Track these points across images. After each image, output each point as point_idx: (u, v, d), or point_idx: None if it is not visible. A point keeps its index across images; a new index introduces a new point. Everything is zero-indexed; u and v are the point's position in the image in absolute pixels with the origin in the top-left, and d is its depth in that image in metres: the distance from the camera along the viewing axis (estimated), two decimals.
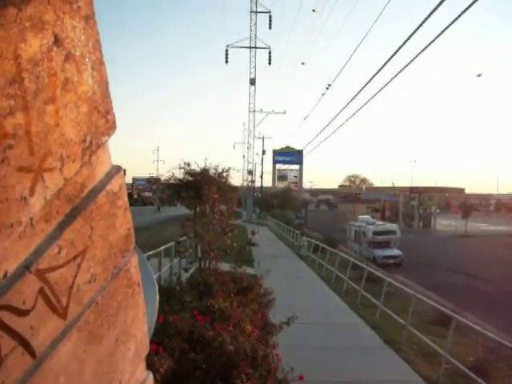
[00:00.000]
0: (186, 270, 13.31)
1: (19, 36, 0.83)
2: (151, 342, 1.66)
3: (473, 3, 10.60)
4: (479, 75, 42.54)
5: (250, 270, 16.59)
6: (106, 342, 1.28)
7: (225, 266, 12.68)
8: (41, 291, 1.01)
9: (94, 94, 1.03)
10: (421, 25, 12.60)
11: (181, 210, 35.76)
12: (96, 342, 1.23)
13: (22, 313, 0.97)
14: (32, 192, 0.92)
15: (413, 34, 13.14)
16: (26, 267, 0.96)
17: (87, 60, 0.99)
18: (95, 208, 1.13)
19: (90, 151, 1.05)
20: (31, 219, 0.95)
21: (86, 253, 1.12)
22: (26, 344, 0.98)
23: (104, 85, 1.06)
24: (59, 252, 1.03)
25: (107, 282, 1.24)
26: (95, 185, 1.12)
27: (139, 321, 1.48)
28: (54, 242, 1.02)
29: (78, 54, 0.96)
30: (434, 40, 12.66)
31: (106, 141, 1.12)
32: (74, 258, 1.08)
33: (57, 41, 0.91)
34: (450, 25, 11.76)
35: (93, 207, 1.12)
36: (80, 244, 1.10)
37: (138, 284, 1.43)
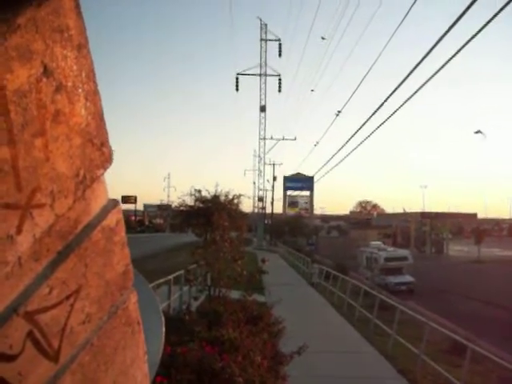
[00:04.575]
0: (196, 299, 13.19)
1: (5, 66, 0.79)
2: (158, 374, 1.60)
3: (485, 25, 10.62)
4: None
5: (260, 298, 16.44)
6: None
7: (235, 294, 12.55)
8: (29, 334, 0.95)
9: (88, 125, 0.99)
10: (432, 48, 12.63)
11: (191, 236, 35.74)
12: None
13: (9, 358, 0.91)
14: (19, 230, 0.87)
15: (424, 58, 13.13)
16: (13, 310, 0.91)
17: (80, 91, 0.95)
18: (90, 244, 1.07)
19: (83, 185, 1.00)
20: (19, 258, 0.89)
21: (80, 292, 1.06)
22: None
23: (99, 116, 1.02)
24: (50, 292, 0.98)
25: (103, 322, 1.17)
26: (90, 220, 1.07)
27: (139, 360, 1.41)
28: (45, 281, 0.96)
29: (69, 84, 0.92)
30: (445, 64, 12.66)
31: (102, 174, 1.07)
32: (67, 297, 1.03)
33: (46, 71, 0.86)
34: (460, 49, 11.77)
35: (87, 244, 1.06)
36: (73, 283, 1.04)
37: (138, 322, 1.36)
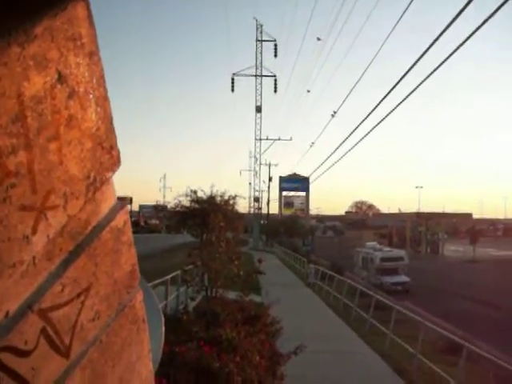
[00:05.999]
0: (193, 299, 13.22)
1: (22, 74, 0.83)
2: (156, 375, 1.63)
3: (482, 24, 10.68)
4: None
5: (256, 298, 16.47)
6: (110, 380, 1.25)
7: (231, 295, 12.58)
8: (43, 331, 0.99)
9: (98, 130, 1.02)
10: (427, 50, 12.67)
11: (187, 237, 35.69)
12: (100, 381, 1.20)
13: (24, 353, 0.95)
14: (34, 230, 0.91)
15: (421, 57, 13.16)
16: (28, 307, 0.94)
17: (91, 96, 0.99)
18: (99, 244, 1.11)
19: (94, 188, 1.04)
20: (34, 258, 0.93)
21: (90, 290, 1.10)
22: None
23: (108, 120, 1.05)
24: (62, 290, 1.01)
25: (111, 319, 1.21)
26: (99, 221, 1.11)
27: (144, 357, 1.45)
28: (57, 280, 1.00)
29: (81, 90, 0.96)
30: (440, 65, 12.72)
31: (111, 177, 1.11)
32: (78, 295, 1.06)
33: (60, 78, 0.90)
34: (456, 49, 11.82)
35: (97, 244, 1.10)
36: (84, 281, 1.08)
37: (143, 320, 1.40)
